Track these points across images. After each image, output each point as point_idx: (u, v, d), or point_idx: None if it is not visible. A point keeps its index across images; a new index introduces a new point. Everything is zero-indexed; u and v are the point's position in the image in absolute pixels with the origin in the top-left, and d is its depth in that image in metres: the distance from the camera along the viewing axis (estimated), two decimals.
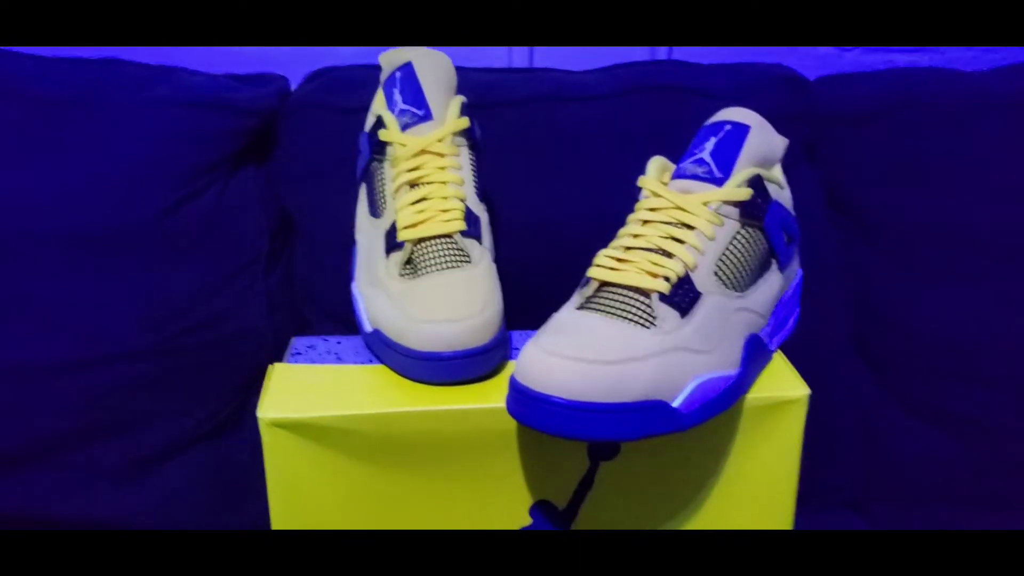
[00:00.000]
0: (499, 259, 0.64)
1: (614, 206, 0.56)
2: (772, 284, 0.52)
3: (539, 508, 0.51)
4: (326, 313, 0.71)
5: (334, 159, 0.72)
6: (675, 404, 0.44)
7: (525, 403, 0.43)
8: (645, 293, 0.47)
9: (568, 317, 0.47)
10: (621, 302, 0.47)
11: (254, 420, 0.48)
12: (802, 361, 0.73)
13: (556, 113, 0.72)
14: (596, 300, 0.47)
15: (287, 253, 0.73)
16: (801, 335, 0.73)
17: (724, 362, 0.47)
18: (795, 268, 0.56)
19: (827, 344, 0.76)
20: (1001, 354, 0.74)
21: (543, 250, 0.67)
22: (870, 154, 0.76)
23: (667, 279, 0.47)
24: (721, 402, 0.46)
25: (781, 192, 0.52)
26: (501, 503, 0.50)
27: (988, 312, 0.73)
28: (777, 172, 0.52)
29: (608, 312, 0.46)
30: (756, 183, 0.49)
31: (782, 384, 0.51)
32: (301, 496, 0.49)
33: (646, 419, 0.43)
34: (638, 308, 0.46)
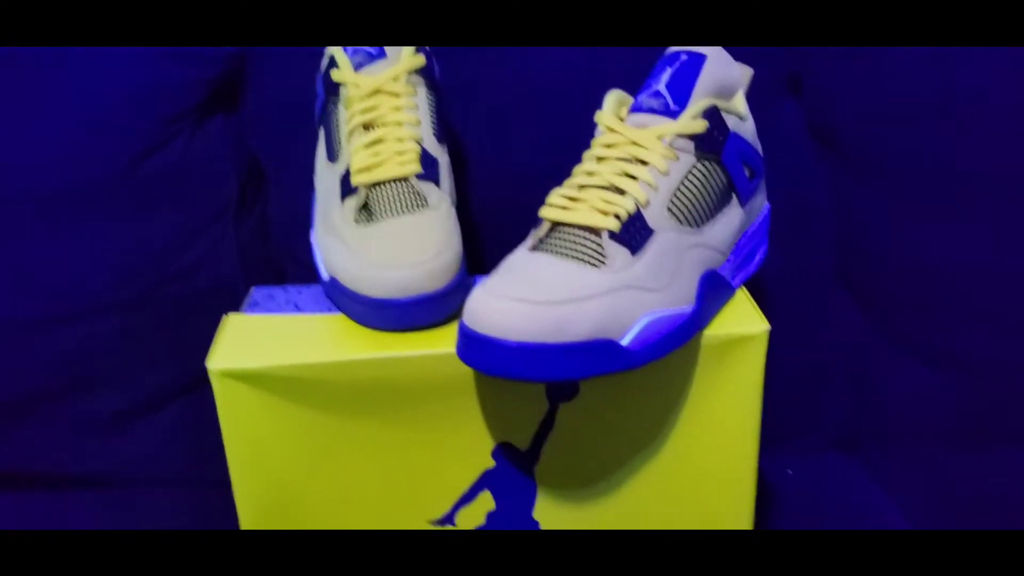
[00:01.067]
0: (464, 203, 0.63)
1: (582, 147, 0.55)
2: (732, 219, 0.51)
3: (501, 450, 0.51)
4: (299, 261, 0.70)
5: (304, 104, 0.70)
6: (624, 342, 0.43)
7: (472, 346, 0.43)
8: (596, 232, 0.46)
9: (519, 259, 0.46)
10: (572, 242, 0.46)
11: None
12: (789, 299, 0.73)
13: (526, 54, 0.70)
14: (548, 241, 0.47)
15: (259, 203, 0.72)
16: (787, 272, 0.72)
17: (677, 299, 0.46)
18: (760, 202, 0.54)
19: (814, 281, 0.75)
20: (990, 289, 0.72)
21: (510, 193, 0.66)
22: (857, 88, 0.74)
23: (617, 216, 0.46)
24: (674, 339, 0.45)
25: (743, 124, 0.51)
26: (463, 447, 0.50)
27: (977, 247, 0.71)
28: (738, 102, 0.51)
29: (559, 252, 0.45)
30: (712, 115, 0.48)
31: (742, 320, 0.50)
32: (258, 449, 0.49)
33: (594, 358, 0.42)
34: (588, 247, 0.45)
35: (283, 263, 0.72)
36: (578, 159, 0.52)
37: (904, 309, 0.74)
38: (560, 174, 0.54)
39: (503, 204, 0.65)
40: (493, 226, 0.65)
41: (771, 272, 0.71)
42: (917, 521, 0.67)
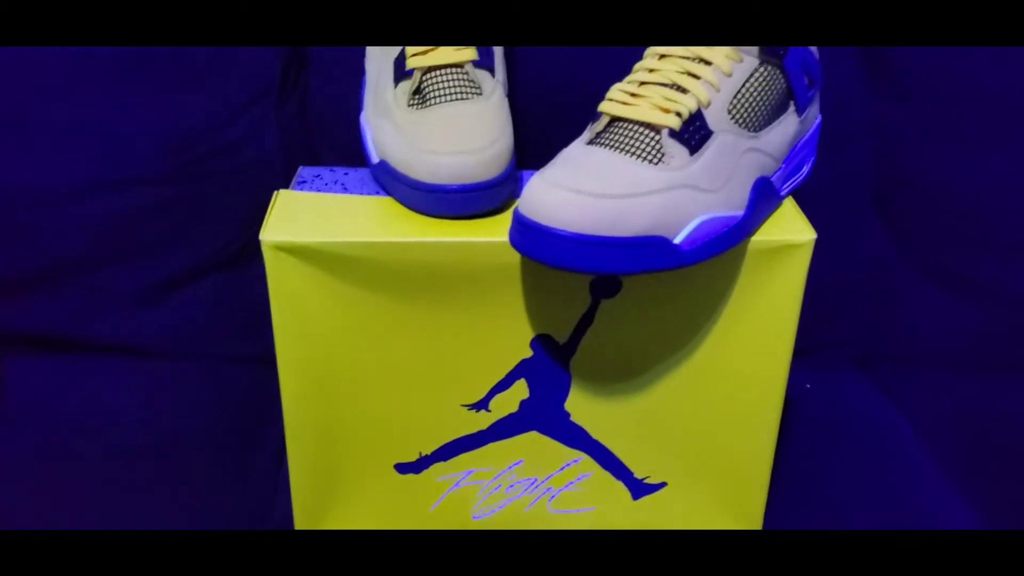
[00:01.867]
0: (515, 94, 0.62)
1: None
2: (788, 127, 0.50)
3: (540, 341, 0.52)
4: (337, 148, 0.70)
5: None
6: (677, 240, 0.44)
7: (527, 235, 0.43)
8: (655, 129, 0.45)
9: (576, 151, 0.46)
10: (631, 137, 0.46)
11: None
12: (819, 214, 0.72)
13: None
14: (605, 135, 0.46)
15: (300, 86, 0.72)
16: (820, 188, 0.72)
17: (730, 202, 0.46)
18: (814, 114, 0.54)
19: (846, 199, 0.75)
20: (1017, 220, 0.72)
21: (562, 87, 0.65)
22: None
23: (679, 115, 0.45)
24: (724, 241, 0.46)
25: None
26: (503, 336, 0.51)
27: (1012, 179, 0.71)
28: None
29: (617, 147, 0.45)
30: None
31: (789, 228, 0.50)
32: (304, 323, 0.50)
33: (646, 254, 0.43)
34: (647, 144, 0.45)
35: (319, 148, 0.72)
36: (633, 58, 0.52)
37: (934, 235, 0.74)
38: (609, 71, 0.53)
39: (552, 100, 0.65)
40: (540, 121, 0.65)
41: (806, 189, 0.71)
42: (929, 439, 0.69)
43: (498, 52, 0.54)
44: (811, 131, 0.54)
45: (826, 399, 0.73)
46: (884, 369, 0.77)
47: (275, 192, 0.52)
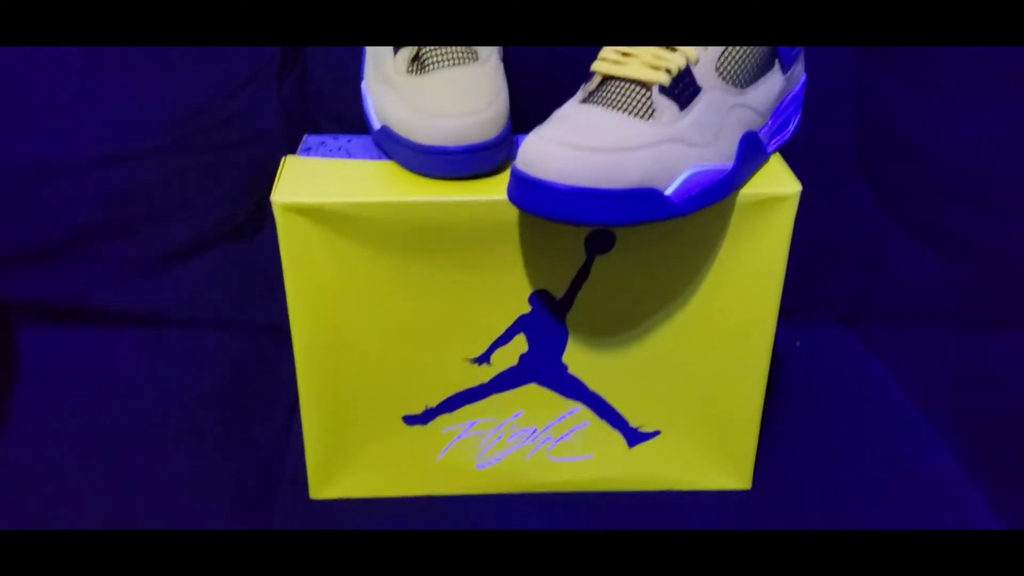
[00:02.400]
0: (510, 59, 0.64)
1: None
2: (774, 84, 0.53)
3: (538, 296, 0.54)
4: (336, 118, 0.72)
5: None
6: (667, 192, 0.46)
7: (525, 188, 0.45)
8: (646, 85, 0.48)
9: (571, 109, 0.48)
10: (622, 94, 0.48)
11: (272, 221, 0.51)
12: (805, 174, 0.74)
13: None
14: (598, 93, 0.49)
15: (301, 59, 0.74)
16: (806, 148, 0.74)
17: (718, 155, 0.48)
18: (799, 72, 0.56)
19: (832, 159, 0.77)
20: (1006, 180, 0.74)
21: (556, 51, 0.67)
22: None
23: (668, 72, 0.48)
24: (713, 193, 0.48)
25: None
26: (502, 291, 0.54)
27: (997, 138, 0.73)
28: None
29: (609, 104, 0.48)
30: None
31: (775, 181, 0.52)
32: (314, 282, 0.52)
33: (639, 205, 0.45)
34: (638, 100, 0.47)
35: (319, 119, 0.74)
36: None
37: (918, 193, 0.77)
38: None
39: (545, 61, 0.67)
40: (534, 87, 0.67)
41: (792, 149, 0.73)
42: (914, 392, 0.71)
43: None
44: (796, 89, 0.56)
45: (815, 356, 0.76)
46: (871, 325, 0.79)
47: (284, 158, 0.54)
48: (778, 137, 0.56)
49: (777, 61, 0.53)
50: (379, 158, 0.55)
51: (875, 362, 0.76)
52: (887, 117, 0.75)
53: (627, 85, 0.48)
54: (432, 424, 0.58)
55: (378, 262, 0.52)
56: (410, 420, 0.57)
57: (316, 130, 0.74)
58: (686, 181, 0.46)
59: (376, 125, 0.56)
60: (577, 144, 0.44)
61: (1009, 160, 0.74)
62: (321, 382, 0.56)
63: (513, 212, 0.51)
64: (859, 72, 0.75)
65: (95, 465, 0.60)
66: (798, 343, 0.76)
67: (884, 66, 0.74)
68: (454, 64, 0.53)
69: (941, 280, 0.78)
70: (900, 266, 0.79)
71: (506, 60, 0.59)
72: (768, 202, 0.52)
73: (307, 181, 0.52)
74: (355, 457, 0.58)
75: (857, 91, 0.75)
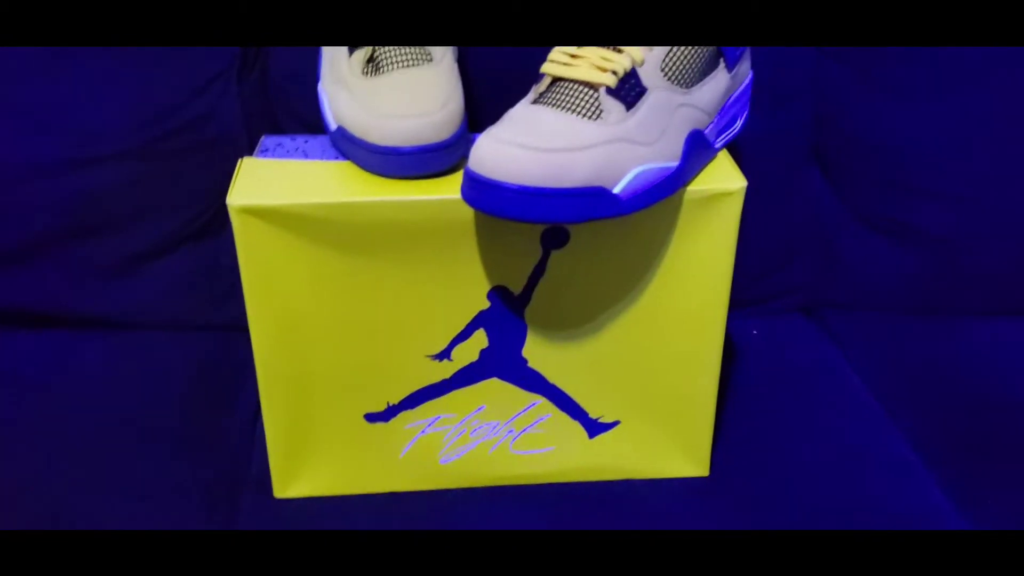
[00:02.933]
0: (465, 60, 0.65)
1: None
2: (719, 84, 0.54)
3: (496, 293, 0.55)
4: (297, 118, 0.73)
5: None
6: (616, 191, 0.47)
7: (477, 188, 0.46)
8: (594, 87, 0.49)
9: (521, 111, 0.49)
10: (571, 95, 0.49)
11: None
12: (761, 169, 0.76)
13: None
14: (548, 95, 0.50)
15: (261, 60, 0.74)
16: (762, 143, 0.76)
17: (665, 154, 0.49)
18: (745, 70, 0.58)
19: (789, 154, 0.79)
20: (955, 171, 0.76)
21: (510, 52, 0.68)
22: None
23: (615, 73, 0.49)
24: (660, 190, 0.49)
25: None
26: (461, 288, 0.55)
27: (945, 130, 0.75)
28: None
29: (559, 106, 0.49)
30: None
31: (721, 177, 0.54)
32: (271, 283, 0.53)
33: (588, 203, 0.46)
34: (586, 101, 0.48)
35: (281, 119, 0.75)
36: None
37: (871, 185, 0.79)
38: None
39: (500, 65, 0.68)
40: (490, 87, 0.68)
41: (748, 145, 0.75)
42: (870, 378, 0.73)
43: None
44: (742, 87, 0.58)
45: (773, 344, 0.78)
46: (828, 314, 0.81)
47: (240, 160, 0.55)
48: (725, 134, 0.57)
49: (722, 61, 0.54)
50: (336, 158, 0.56)
51: (832, 349, 0.78)
52: (842, 112, 0.77)
53: (575, 86, 0.49)
54: (394, 421, 0.59)
55: (336, 262, 0.53)
56: (372, 417, 0.58)
57: (278, 130, 0.75)
58: (634, 179, 0.48)
59: (332, 126, 0.56)
60: (527, 144, 0.45)
61: (957, 152, 0.76)
62: (282, 382, 0.56)
63: (469, 210, 0.52)
64: (815, 68, 0.77)
65: (62, 467, 0.60)
66: (755, 332, 0.78)
67: (839, 62, 0.76)
68: (408, 65, 0.54)
69: (895, 269, 0.80)
70: (856, 256, 0.81)
71: (461, 61, 0.60)
72: (715, 197, 0.53)
73: (263, 183, 0.52)
74: (318, 456, 0.59)
75: (813, 87, 0.77)
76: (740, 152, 0.76)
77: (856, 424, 0.68)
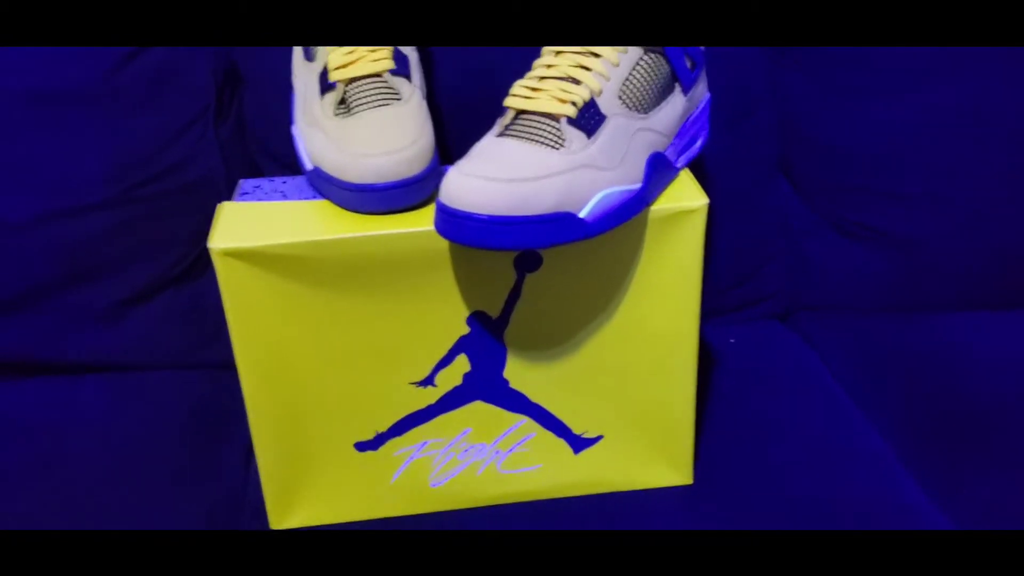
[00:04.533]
0: (434, 98, 0.67)
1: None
2: (676, 106, 0.56)
3: (475, 318, 0.57)
4: (274, 159, 0.75)
5: None
6: (582, 215, 0.49)
7: (450, 221, 0.48)
8: (555, 118, 0.51)
9: (487, 144, 0.51)
10: (534, 127, 0.51)
11: None
12: (729, 181, 0.79)
13: None
14: (512, 127, 0.52)
15: (236, 104, 0.76)
16: (728, 156, 0.78)
17: (627, 177, 0.52)
18: (701, 92, 0.60)
19: (755, 164, 0.81)
20: (917, 169, 0.79)
21: (477, 89, 0.71)
22: None
23: (574, 104, 0.51)
24: (624, 212, 0.52)
25: None
26: (440, 315, 0.56)
27: (904, 132, 0.78)
28: None
29: (523, 137, 0.51)
30: None
31: (684, 195, 0.56)
32: (257, 322, 0.55)
33: (555, 228, 0.48)
34: (549, 131, 0.51)
35: (259, 160, 0.77)
36: (536, 55, 0.57)
37: (838, 191, 0.81)
38: (518, 70, 0.59)
39: (468, 99, 0.70)
40: (460, 120, 0.70)
41: (716, 159, 0.77)
42: (844, 380, 0.75)
43: (412, 59, 0.59)
44: (700, 108, 0.60)
45: (750, 350, 0.79)
46: (802, 318, 0.83)
47: (218, 205, 0.57)
48: (686, 154, 0.59)
49: (677, 85, 0.56)
50: (314, 197, 0.58)
51: (807, 352, 0.79)
52: (803, 120, 0.80)
53: (538, 118, 0.51)
54: (383, 448, 0.60)
55: (318, 297, 0.55)
56: (361, 446, 0.60)
57: (257, 171, 0.77)
58: (599, 203, 0.50)
59: (308, 166, 0.58)
60: (495, 176, 0.48)
61: (916, 152, 0.78)
62: (272, 417, 0.58)
63: (444, 241, 0.54)
64: (773, 78, 0.79)
65: (62, 509, 0.62)
66: (732, 340, 0.80)
67: (796, 71, 0.78)
68: (378, 105, 0.56)
69: (865, 270, 0.82)
70: (826, 260, 0.83)
71: (430, 98, 0.62)
72: (678, 215, 0.55)
73: (243, 225, 0.54)
74: (311, 486, 0.61)
75: (772, 97, 0.79)
76: (707, 166, 0.78)
77: (832, 423, 0.70)
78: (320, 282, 0.54)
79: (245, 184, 0.60)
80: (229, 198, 0.58)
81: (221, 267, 0.53)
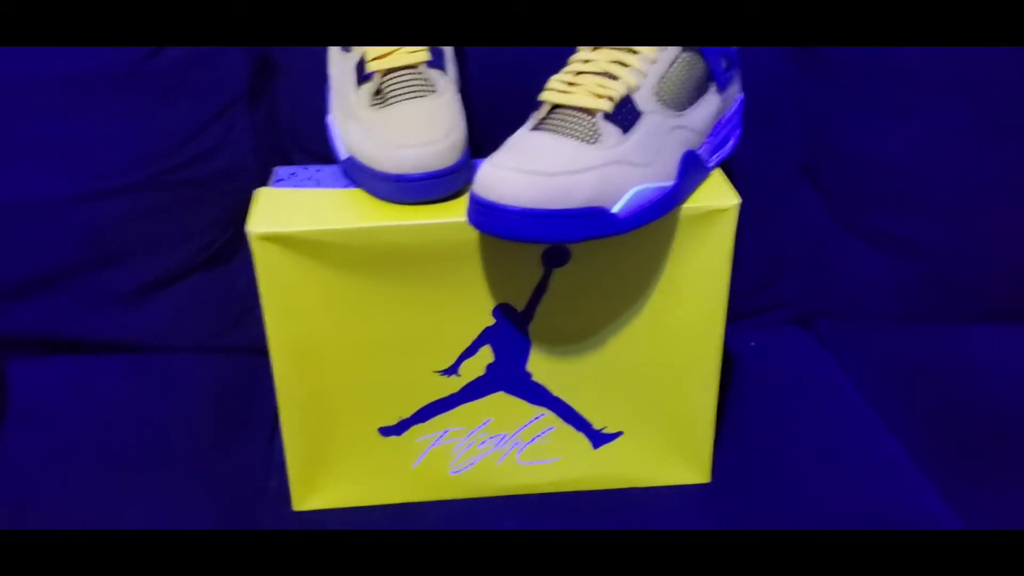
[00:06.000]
0: (468, 90, 0.68)
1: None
2: (710, 105, 0.57)
3: (501, 310, 0.58)
4: (306, 149, 0.76)
5: None
6: (614, 210, 0.50)
7: (483, 212, 0.49)
8: (591, 112, 0.52)
9: (522, 137, 0.52)
10: (569, 121, 0.52)
11: (247, 250, 0.54)
12: (753, 185, 0.79)
13: None
14: (547, 121, 0.53)
15: (269, 91, 0.77)
16: (753, 160, 0.78)
17: (660, 174, 0.52)
18: (735, 92, 0.60)
19: (779, 170, 0.81)
20: (940, 181, 0.79)
21: (510, 82, 0.71)
22: None
23: (611, 99, 0.52)
24: (656, 209, 0.52)
25: None
26: (467, 306, 0.57)
27: (931, 143, 0.78)
28: None
29: (557, 131, 0.51)
30: None
31: (715, 195, 0.56)
32: (289, 305, 0.56)
33: (587, 223, 0.49)
34: (584, 126, 0.51)
35: (290, 150, 0.77)
36: (572, 51, 0.57)
37: (861, 198, 0.81)
38: (552, 65, 0.59)
39: (501, 93, 0.70)
40: (492, 114, 0.71)
41: (741, 164, 0.78)
42: (864, 388, 0.75)
43: (448, 52, 0.60)
44: (733, 108, 0.61)
45: (770, 355, 0.80)
46: (822, 325, 0.83)
47: (256, 190, 0.57)
48: (718, 153, 0.60)
49: (713, 83, 0.57)
50: (347, 186, 0.59)
51: (826, 358, 0.80)
52: (829, 127, 0.80)
53: (573, 112, 0.52)
54: (406, 434, 0.61)
55: (350, 283, 0.55)
56: (385, 431, 0.61)
57: (287, 160, 0.77)
58: (631, 199, 0.50)
59: (343, 155, 0.59)
60: (528, 169, 0.48)
61: (943, 164, 0.78)
62: (300, 399, 0.59)
63: (473, 232, 0.54)
64: (801, 86, 0.79)
65: (82, 492, 0.62)
66: (752, 343, 0.80)
67: (823, 79, 0.78)
68: (414, 97, 0.57)
69: (886, 279, 0.82)
70: (848, 267, 0.83)
71: (464, 91, 0.63)
72: (709, 215, 0.56)
73: (280, 211, 0.55)
74: (334, 469, 0.61)
75: (800, 105, 0.80)
76: (732, 169, 0.78)
77: (851, 430, 0.70)
78: (353, 268, 0.55)
79: (281, 171, 0.61)
80: (260, 186, 0.58)
81: (258, 251, 0.54)
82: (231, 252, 0.76)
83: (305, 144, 0.76)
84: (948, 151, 0.78)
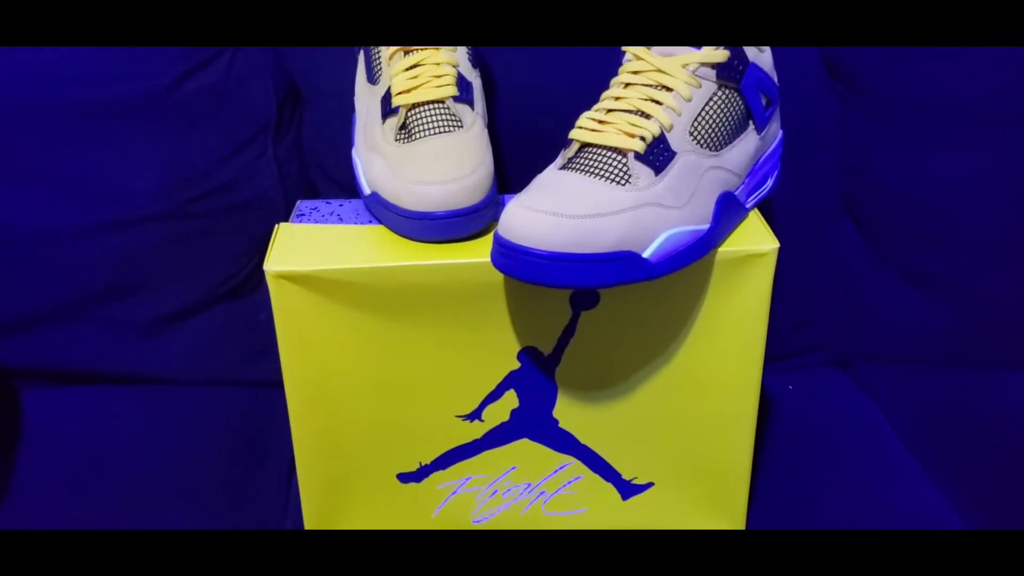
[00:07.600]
0: (494, 125, 0.66)
1: (608, 72, 0.59)
2: (748, 145, 0.54)
3: (526, 353, 0.55)
4: (332, 180, 0.74)
5: None
6: (646, 255, 0.47)
7: (507, 255, 0.47)
8: (622, 152, 0.49)
9: (550, 176, 0.50)
10: (599, 161, 0.49)
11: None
12: (791, 222, 0.77)
13: None
14: (576, 160, 0.50)
15: (295, 122, 0.76)
16: (791, 197, 0.76)
17: (695, 217, 0.50)
18: (775, 130, 0.58)
19: (817, 207, 0.79)
20: (984, 220, 0.76)
21: (536, 116, 0.69)
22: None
23: (643, 139, 0.49)
24: (690, 254, 0.50)
25: (761, 55, 0.54)
26: (491, 349, 0.55)
27: (975, 182, 0.75)
28: None
29: (587, 171, 0.49)
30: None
31: (753, 238, 0.54)
32: (307, 345, 0.54)
33: (617, 268, 0.47)
34: (615, 166, 0.49)
35: (316, 181, 0.76)
36: (603, 86, 0.55)
37: (902, 237, 0.78)
38: (582, 100, 0.57)
39: (528, 128, 0.69)
40: (519, 148, 0.69)
41: (778, 199, 0.75)
42: (906, 433, 0.72)
43: (476, 87, 0.58)
44: (773, 147, 0.58)
45: (808, 398, 0.77)
46: (861, 368, 0.80)
47: (276, 225, 0.56)
48: (756, 194, 0.57)
49: (751, 122, 0.54)
50: (370, 222, 0.57)
51: (866, 402, 0.77)
52: (870, 164, 0.77)
53: (604, 152, 0.50)
54: (426, 481, 0.59)
55: (369, 324, 0.53)
56: (404, 477, 0.58)
57: (312, 191, 0.76)
58: (664, 243, 0.48)
59: (366, 191, 0.57)
60: (556, 211, 0.46)
61: (987, 201, 0.75)
62: (316, 441, 0.57)
63: (499, 273, 0.52)
64: (841, 121, 0.77)
65: (96, 524, 0.61)
66: (790, 387, 0.77)
67: (864, 114, 0.76)
68: (439, 132, 0.55)
69: (927, 321, 0.79)
70: (888, 308, 0.80)
71: (492, 126, 0.61)
72: (747, 259, 0.53)
73: (299, 248, 0.53)
74: (352, 514, 0.59)
75: (839, 140, 0.77)
76: (770, 204, 0.76)
77: (891, 478, 0.67)
78: (373, 308, 0.53)
79: (302, 205, 0.59)
80: (284, 218, 0.57)
81: (275, 289, 0.52)
82: (253, 284, 0.75)
83: (333, 175, 0.75)
84: (992, 188, 0.75)
